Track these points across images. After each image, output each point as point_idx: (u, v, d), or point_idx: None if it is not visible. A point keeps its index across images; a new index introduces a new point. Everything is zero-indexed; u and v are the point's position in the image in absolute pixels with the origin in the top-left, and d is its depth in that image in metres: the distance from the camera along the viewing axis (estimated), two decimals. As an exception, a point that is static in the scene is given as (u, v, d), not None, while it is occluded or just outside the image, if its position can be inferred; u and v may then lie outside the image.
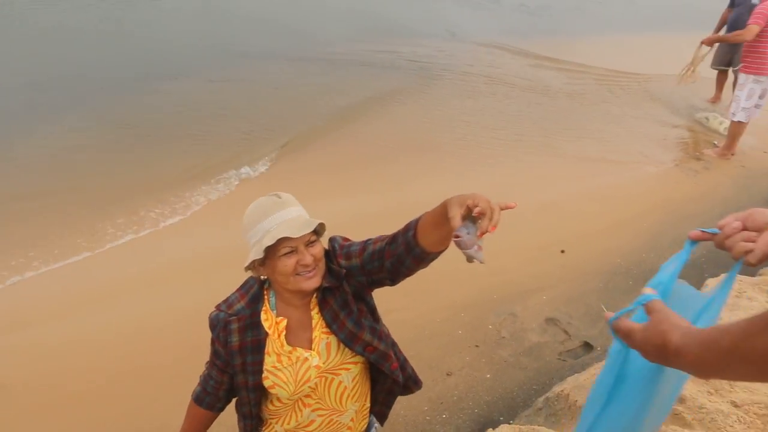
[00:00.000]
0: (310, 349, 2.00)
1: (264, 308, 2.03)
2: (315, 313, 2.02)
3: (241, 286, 2.09)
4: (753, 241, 1.22)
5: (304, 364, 1.99)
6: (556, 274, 5.23)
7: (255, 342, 2.01)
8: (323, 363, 2.01)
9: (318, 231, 1.96)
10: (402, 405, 3.74)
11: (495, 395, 3.97)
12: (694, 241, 1.36)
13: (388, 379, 2.14)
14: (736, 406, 2.86)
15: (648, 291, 1.25)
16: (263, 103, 9.49)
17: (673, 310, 1.19)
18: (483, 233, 1.51)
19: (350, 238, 2.09)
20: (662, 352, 1.11)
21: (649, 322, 1.16)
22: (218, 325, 2.04)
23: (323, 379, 2.03)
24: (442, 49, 13.38)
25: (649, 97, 10.73)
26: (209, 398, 2.17)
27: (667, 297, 1.30)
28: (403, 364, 2.23)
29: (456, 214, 1.53)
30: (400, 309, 4.50)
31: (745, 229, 1.26)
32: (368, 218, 5.34)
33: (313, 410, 2.07)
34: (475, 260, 1.53)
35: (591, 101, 10.48)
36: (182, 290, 4.92)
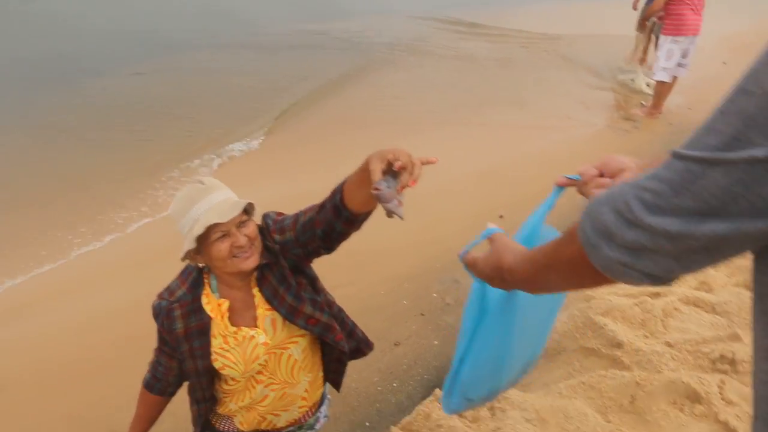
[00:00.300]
0: (256, 327, 2.01)
1: (205, 292, 2.03)
2: (256, 291, 2.02)
3: (181, 273, 2.09)
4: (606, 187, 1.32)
5: (251, 342, 2.00)
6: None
7: (200, 326, 2.01)
8: (270, 339, 2.01)
9: (248, 210, 1.96)
10: (353, 378, 3.77)
11: (444, 360, 4.03)
12: (561, 187, 1.44)
13: (335, 348, 2.16)
14: (669, 345, 2.99)
15: (491, 225, 1.38)
16: (199, 95, 9.26)
17: None
18: (403, 187, 1.52)
19: (284, 212, 2.08)
20: (499, 273, 1.24)
21: (489, 250, 1.30)
22: (161, 313, 2.03)
23: (272, 355, 2.04)
24: (371, 26, 13.36)
25: (574, 60, 10.94)
26: (159, 384, 2.17)
27: (536, 240, 1.38)
28: (352, 330, 2.26)
29: (376, 168, 1.53)
30: (344, 284, 4.51)
31: (601, 175, 1.36)
32: (303, 199, 5.33)
33: (265, 386, 2.08)
34: (394, 215, 1.53)
35: (519, 67, 10.64)
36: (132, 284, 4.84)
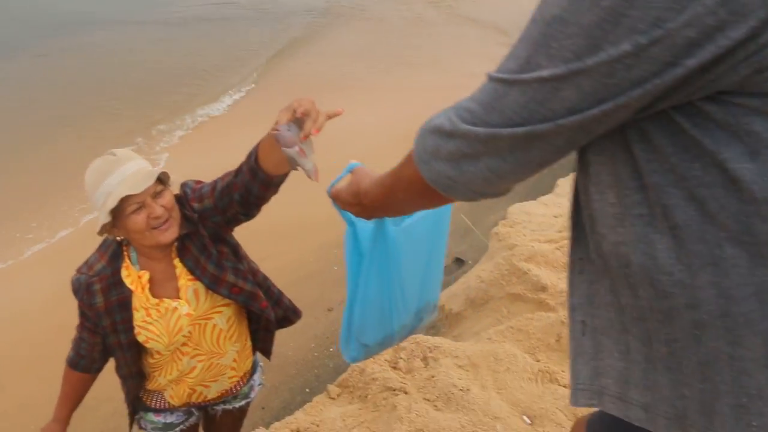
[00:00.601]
0: (178, 298, 1.98)
1: (125, 265, 1.98)
2: (177, 262, 1.98)
3: (100, 246, 2.03)
4: None
5: (174, 313, 1.97)
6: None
7: (121, 300, 1.96)
8: (193, 310, 1.98)
9: (164, 180, 1.90)
10: (289, 347, 3.80)
11: (378, 321, 4.10)
12: None
13: (261, 317, 2.15)
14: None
15: (353, 161, 1.48)
16: (117, 77, 8.86)
17: None
18: (306, 135, 1.52)
19: (203, 180, 2.06)
20: (357, 199, 1.33)
21: (350, 181, 1.38)
22: (80, 288, 1.97)
23: (197, 326, 2.01)
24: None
25: (479, 19, 11.06)
26: (84, 361, 2.10)
27: None
28: (278, 297, 2.24)
29: (281, 116, 1.54)
30: (272, 256, 4.50)
31: None
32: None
33: (192, 357, 2.05)
34: (300, 168, 1.55)
35: (430, 27, 10.70)
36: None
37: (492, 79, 0.87)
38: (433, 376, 2.63)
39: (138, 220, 1.83)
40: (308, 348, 3.87)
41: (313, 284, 4.40)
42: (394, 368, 2.74)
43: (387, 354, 2.82)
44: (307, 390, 3.60)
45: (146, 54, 9.71)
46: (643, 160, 0.84)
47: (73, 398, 2.17)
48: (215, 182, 1.95)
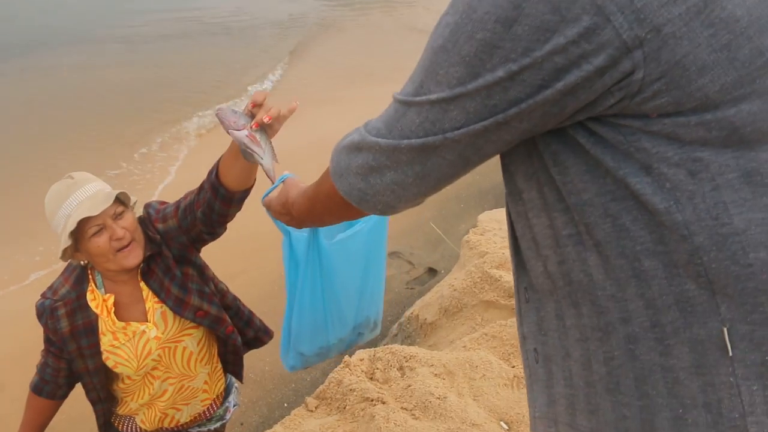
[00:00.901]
0: (146, 321, 1.95)
1: (90, 288, 1.95)
2: (143, 285, 1.96)
3: (65, 270, 2.01)
4: None
5: (142, 337, 1.94)
6: (392, 211, 5.43)
7: (87, 324, 1.94)
8: (162, 333, 1.96)
9: (124, 201, 1.88)
10: (265, 362, 3.79)
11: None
12: None
13: (228, 341, 2.12)
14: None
15: (286, 172, 1.55)
16: (86, 97, 8.65)
17: None
18: (258, 123, 1.54)
19: (166, 201, 2.05)
20: (286, 208, 1.40)
21: (280, 190, 1.46)
22: (45, 312, 1.94)
23: (166, 349, 1.98)
24: (241, 8, 13.04)
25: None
26: (48, 387, 2.05)
27: None
28: (249, 318, 2.23)
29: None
30: (243, 271, 4.50)
31: None
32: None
33: (163, 381, 2.03)
34: (258, 163, 1.57)
35: (387, 35, 10.78)
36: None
37: (395, 99, 0.96)
38: (410, 386, 2.66)
39: (100, 242, 1.82)
40: (284, 362, 3.86)
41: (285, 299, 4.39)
42: (371, 379, 2.76)
43: (364, 365, 2.84)
44: (285, 404, 3.60)
45: (109, 71, 9.58)
46: (560, 182, 0.90)
47: (36, 425, 2.12)
48: (179, 202, 1.94)
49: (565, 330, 0.98)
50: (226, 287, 2.19)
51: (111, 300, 1.94)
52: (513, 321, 3.12)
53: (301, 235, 1.72)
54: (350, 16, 12.16)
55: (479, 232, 3.94)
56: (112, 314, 1.93)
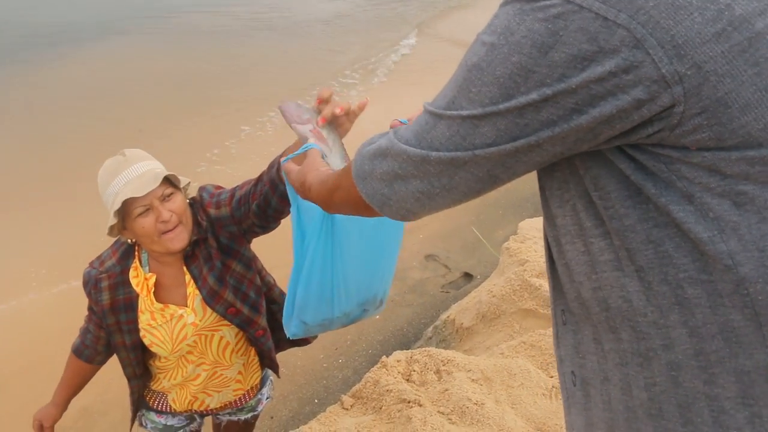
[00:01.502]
0: (185, 306, 1.94)
1: (134, 265, 1.95)
2: (185, 269, 1.95)
3: (114, 242, 2.01)
4: None
5: (180, 321, 1.93)
6: (429, 213, 5.41)
7: (127, 300, 1.94)
8: (199, 320, 1.94)
9: (175, 183, 1.87)
10: (298, 356, 3.79)
11: (386, 334, 4.09)
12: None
13: (258, 342, 2.09)
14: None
15: (312, 140, 1.48)
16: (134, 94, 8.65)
17: None
18: (325, 118, 1.50)
19: (223, 186, 2.03)
20: (303, 187, 1.37)
21: (303, 164, 1.42)
22: (89, 282, 1.96)
23: (202, 336, 1.97)
24: (275, 4, 13.04)
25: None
26: (88, 351, 2.09)
27: None
28: None
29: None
30: (286, 264, 4.50)
31: None
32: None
33: (197, 366, 2.03)
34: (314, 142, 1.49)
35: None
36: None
37: (426, 110, 0.96)
38: (447, 390, 2.63)
39: (145, 223, 1.80)
40: (317, 358, 3.87)
41: (323, 295, 4.39)
42: (408, 380, 2.74)
43: (401, 366, 2.82)
44: (316, 400, 3.60)
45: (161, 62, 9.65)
46: (601, 207, 0.89)
47: (73, 385, 2.16)
48: (234, 189, 1.92)
49: (603, 354, 0.97)
50: (274, 280, 2.18)
51: (152, 280, 1.93)
52: (552, 331, 3.08)
53: (311, 204, 1.67)
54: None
55: (520, 239, 3.90)
56: (152, 294, 1.93)
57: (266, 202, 1.80)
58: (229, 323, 1.99)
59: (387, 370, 2.76)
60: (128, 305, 1.94)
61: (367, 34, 10.99)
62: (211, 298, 1.92)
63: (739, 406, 0.84)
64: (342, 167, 1.50)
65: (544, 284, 3.40)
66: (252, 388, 2.21)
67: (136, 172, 1.81)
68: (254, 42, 10.55)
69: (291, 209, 1.63)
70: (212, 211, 1.93)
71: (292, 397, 3.62)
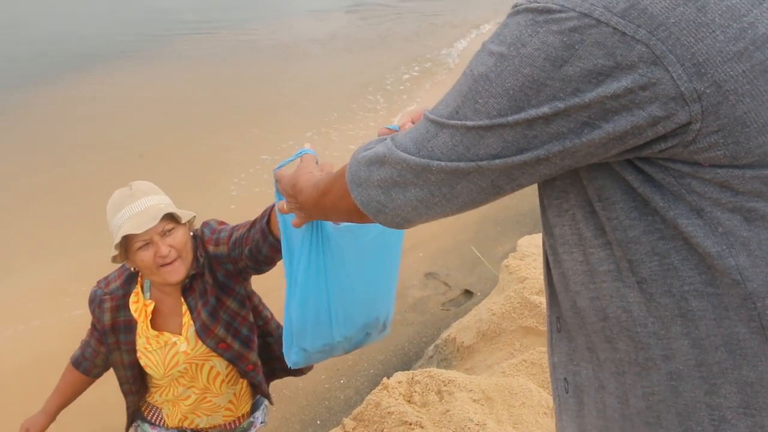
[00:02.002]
0: (180, 334, 1.99)
1: (135, 290, 2.01)
2: (182, 300, 2.01)
3: (122, 265, 2.06)
4: None
5: (173, 348, 1.99)
6: (428, 231, 5.40)
7: (127, 322, 2.01)
8: (191, 350, 1.99)
9: (177, 218, 1.91)
10: (299, 378, 3.77)
11: (388, 353, 4.09)
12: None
13: (248, 377, 2.12)
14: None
15: (307, 146, 1.46)
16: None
17: None
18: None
19: (225, 222, 2.06)
20: (293, 190, 1.33)
21: (295, 168, 1.39)
22: (94, 300, 2.04)
23: (193, 365, 2.02)
24: (289, 27, 13.15)
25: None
26: (86, 363, 2.16)
27: None
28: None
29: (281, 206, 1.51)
30: (279, 288, 4.51)
31: None
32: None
33: (187, 388, 2.08)
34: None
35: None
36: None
37: (426, 118, 0.94)
38: (448, 411, 2.63)
39: (145, 257, 1.86)
40: (319, 379, 3.87)
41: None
42: (409, 402, 2.74)
43: (402, 387, 2.82)
44: (318, 422, 3.59)
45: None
46: (604, 217, 0.88)
47: (66, 395, 2.21)
48: (233, 229, 1.95)
49: (599, 363, 0.97)
50: (271, 314, 2.21)
51: (151, 307, 1.99)
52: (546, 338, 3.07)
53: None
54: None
55: (519, 256, 3.91)
56: (148, 321, 1.99)
57: (257, 249, 1.83)
58: (219, 356, 2.03)
59: (388, 391, 2.76)
60: (128, 327, 2.01)
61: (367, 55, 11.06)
62: (203, 332, 1.97)
63: (741, 415, 0.84)
64: None
65: (545, 302, 3.40)
66: (243, 414, 2.24)
67: (138, 208, 1.85)
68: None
69: (279, 226, 1.60)
70: (211, 248, 1.97)
71: (294, 419, 3.62)
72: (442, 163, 0.89)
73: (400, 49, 11.09)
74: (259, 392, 2.22)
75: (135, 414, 2.20)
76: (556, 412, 1.10)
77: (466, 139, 0.86)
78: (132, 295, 2.00)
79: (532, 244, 4.16)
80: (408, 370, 3.90)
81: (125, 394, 2.12)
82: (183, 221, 1.93)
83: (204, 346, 1.98)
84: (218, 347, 1.98)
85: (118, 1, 14.09)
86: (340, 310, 1.70)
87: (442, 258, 5.07)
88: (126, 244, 1.85)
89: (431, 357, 3.83)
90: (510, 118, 0.82)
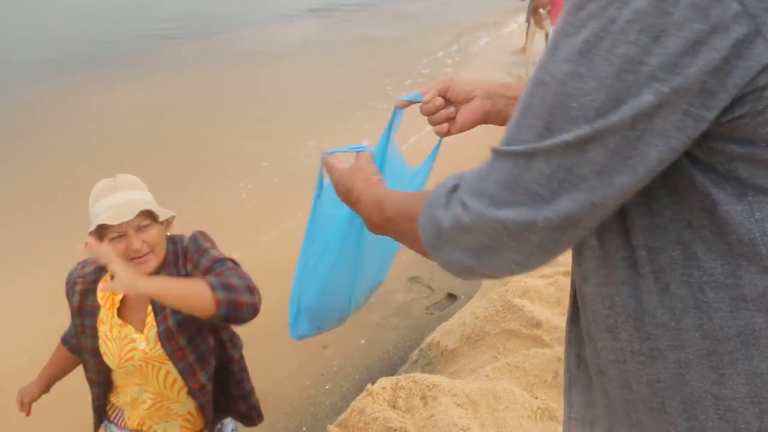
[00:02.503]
0: (141, 332, 1.99)
1: (105, 278, 2.03)
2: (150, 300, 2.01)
3: None
4: (453, 117, 1.36)
5: (131, 343, 1.98)
6: (411, 236, 5.42)
7: (93, 307, 2.03)
8: (149, 350, 1.98)
9: (155, 215, 1.93)
10: (284, 384, 3.79)
11: (372, 358, 4.09)
12: (400, 108, 1.39)
13: (194, 395, 2.09)
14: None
15: (365, 143, 1.35)
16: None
17: (386, 177, 1.28)
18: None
19: (213, 240, 2.06)
20: (348, 196, 1.22)
21: (351, 165, 1.27)
22: (68, 282, 2.08)
23: (149, 365, 2.01)
24: (285, 31, 13.17)
25: (470, 57, 11.22)
26: (72, 341, 2.19)
27: (384, 164, 1.39)
28: (249, 394, 2.22)
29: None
30: (265, 294, 4.48)
31: (446, 99, 1.35)
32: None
33: (142, 390, 2.07)
34: None
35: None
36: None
37: (504, 153, 0.82)
38: (433, 415, 2.64)
39: (117, 248, 1.88)
40: (304, 386, 3.86)
41: (307, 321, 4.39)
42: (394, 407, 2.75)
43: (386, 393, 2.83)
44: (304, 429, 3.58)
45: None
46: (630, 202, 0.83)
47: (56, 369, 2.29)
48: (212, 264, 1.95)
49: (596, 351, 0.96)
50: (240, 356, 2.20)
51: (119, 296, 2.00)
52: (536, 351, 3.10)
53: (336, 207, 1.43)
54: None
55: (501, 259, 3.93)
56: (114, 309, 2.00)
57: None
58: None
59: (372, 397, 2.77)
60: (93, 312, 2.03)
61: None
62: (165, 337, 1.97)
63: (747, 404, 0.82)
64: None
65: (527, 305, 3.43)
66: (200, 429, 2.21)
67: (118, 200, 1.89)
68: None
69: (314, 204, 1.50)
70: (189, 267, 1.99)
71: (280, 426, 3.60)
72: (549, 219, 0.78)
73: (386, 52, 11.12)
74: (203, 416, 2.16)
75: (101, 411, 2.20)
76: (566, 387, 1.08)
77: (566, 160, 0.76)
78: (101, 282, 2.02)
79: (515, 246, 4.17)
80: (393, 374, 3.91)
81: (90, 384, 2.13)
82: (160, 219, 1.95)
83: (161, 350, 1.98)
84: (174, 354, 1.98)
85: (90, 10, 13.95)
86: (359, 288, 1.64)
87: (425, 262, 5.01)
88: (101, 232, 1.88)
89: (416, 361, 3.84)
90: (613, 117, 0.72)
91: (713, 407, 0.84)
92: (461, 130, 1.38)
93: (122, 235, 1.88)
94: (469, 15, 13.67)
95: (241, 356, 2.21)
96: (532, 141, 0.78)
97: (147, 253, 1.91)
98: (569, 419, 1.07)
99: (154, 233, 1.92)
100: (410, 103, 1.37)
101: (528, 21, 9.84)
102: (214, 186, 6.23)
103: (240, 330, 3.78)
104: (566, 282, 3.60)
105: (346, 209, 1.34)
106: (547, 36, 9.76)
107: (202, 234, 2.06)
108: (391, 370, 3.96)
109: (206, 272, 1.93)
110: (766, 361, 0.81)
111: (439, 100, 1.35)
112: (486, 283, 3.86)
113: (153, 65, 10.61)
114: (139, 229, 1.89)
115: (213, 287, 1.78)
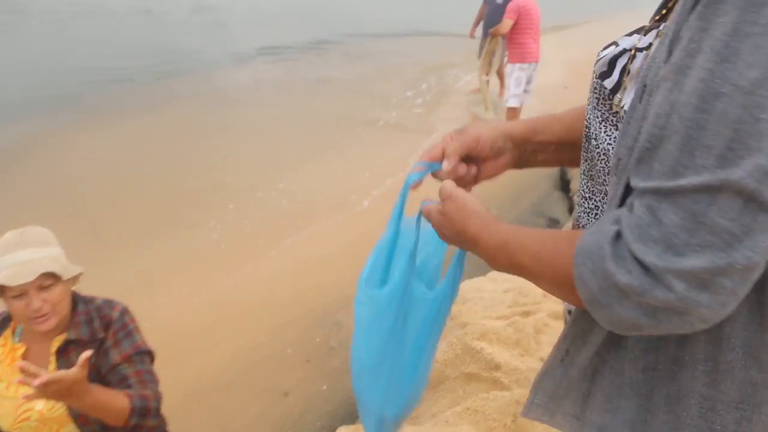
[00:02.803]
0: None
1: (5, 333, 2.00)
2: (53, 358, 1.97)
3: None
4: (475, 176, 1.22)
5: (27, 403, 1.91)
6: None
7: None
8: (47, 410, 1.93)
9: (60, 275, 1.90)
10: (247, 435, 3.74)
11: (335, 404, 4.06)
12: (415, 189, 1.21)
13: None
14: (543, 361, 3.18)
15: (424, 160, 1.19)
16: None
17: (399, 253, 1.20)
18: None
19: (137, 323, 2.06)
20: (460, 237, 1.07)
21: (446, 204, 1.09)
22: None
23: (45, 426, 1.95)
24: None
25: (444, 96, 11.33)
26: None
27: (396, 240, 1.26)
28: None
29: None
30: (223, 341, 4.45)
31: (469, 158, 1.20)
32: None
33: None
34: None
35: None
36: None
37: (674, 191, 0.69)
38: (394, 465, 2.63)
39: (16, 306, 1.87)
40: (264, 436, 3.82)
41: (267, 367, 4.34)
42: (355, 458, 2.74)
43: (347, 443, 2.81)
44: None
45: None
46: None
47: None
48: (128, 357, 1.97)
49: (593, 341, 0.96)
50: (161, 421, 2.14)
51: (21, 351, 1.96)
52: (495, 394, 3.12)
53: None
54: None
55: (460, 301, 3.97)
56: (14, 365, 1.90)
57: None
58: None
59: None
60: None
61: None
62: None
63: (731, 409, 0.83)
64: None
65: (486, 347, 3.45)
66: None
67: (21, 258, 1.85)
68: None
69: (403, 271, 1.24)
70: (109, 339, 1.97)
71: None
72: (749, 255, 0.66)
73: (351, 92, 11.21)
74: None
75: None
76: (539, 372, 1.10)
77: (763, 185, 0.64)
78: (0, 338, 1.99)
79: (473, 287, 4.22)
80: (355, 420, 3.89)
81: None
82: (65, 278, 1.92)
83: (62, 410, 1.93)
84: (78, 420, 1.95)
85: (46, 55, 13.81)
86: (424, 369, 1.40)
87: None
88: (2, 289, 1.86)
89: (377, 407, 3.82)
90: None
91: (697, 406, 0.85)
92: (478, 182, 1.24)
93: (23, 294, 1.85)
94: (430, 55, 13.84)
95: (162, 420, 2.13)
96: (713, 167, 0.66)
97: (47, 313, 1.89)
98: (532, 404, 1.09)
99: (56, 293, 1.90)
100: (423, 177, 1.19)
101: (480, 54, 9.80)
102: (176, 232, 6.16)
103: (199, 379, 3.74)
104: (524, 323, 3.64)
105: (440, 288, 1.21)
106: (499, 69, 9.83)
107: (128, 312, 2.05)
108: (353, 416, 3.93)
109: (125, 359, 1.93)
110: (762, 373, 0.81)
111: (462, 168, 1.19)
112: (445, 326, 3.88)
113: (99, 107, 10.48)
114: (41, 288, 1.87)
115: (132, 412, 1.85)
